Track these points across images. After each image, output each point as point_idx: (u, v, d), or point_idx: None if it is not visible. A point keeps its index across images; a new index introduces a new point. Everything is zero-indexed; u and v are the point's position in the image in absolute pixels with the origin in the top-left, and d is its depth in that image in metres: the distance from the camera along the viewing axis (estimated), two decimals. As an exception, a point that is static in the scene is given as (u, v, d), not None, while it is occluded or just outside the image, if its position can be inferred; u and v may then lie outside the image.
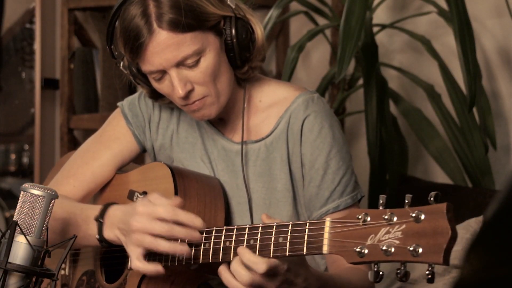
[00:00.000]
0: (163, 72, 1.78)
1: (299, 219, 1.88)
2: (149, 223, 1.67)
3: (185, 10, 1.73)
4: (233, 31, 1.80)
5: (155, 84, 1.82)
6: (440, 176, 2.78)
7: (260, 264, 1.55)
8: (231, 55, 1.81)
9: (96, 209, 1.82)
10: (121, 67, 1.88)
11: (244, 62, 1.84)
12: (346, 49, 2.29)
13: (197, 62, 1.77)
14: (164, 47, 1.74)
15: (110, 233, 1.78)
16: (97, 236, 1.80)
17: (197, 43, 1.75)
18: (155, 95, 1.91)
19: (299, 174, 1.86)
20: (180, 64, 1.76)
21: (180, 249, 1.67)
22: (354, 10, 2.33)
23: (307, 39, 2.70)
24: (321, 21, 2.91)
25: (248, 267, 1.57)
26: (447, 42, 2.76)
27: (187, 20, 1.73)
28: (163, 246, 1.67)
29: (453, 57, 2.57)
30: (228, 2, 1.80)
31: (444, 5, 2.58)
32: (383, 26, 2.85)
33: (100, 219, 1.79)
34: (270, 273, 1.56)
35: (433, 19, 2.78)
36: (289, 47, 2.70)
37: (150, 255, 1.74)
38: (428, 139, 2.63)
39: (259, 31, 1.85)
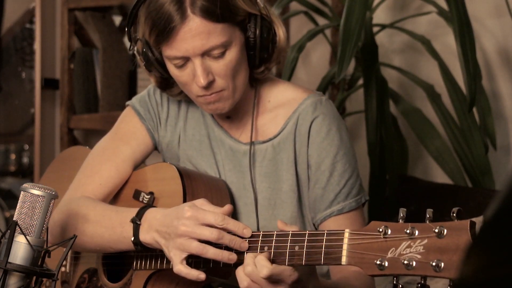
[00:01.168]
0: (186, 60, 1.77)
1: (304, 221, 1.88)
2: (198, 228, 1.63)
3: (219, 0, 1.73)
4: (257, 30, 1.80)
5: (174, 71, 1.81)
6: (440, 176, 2.78)
7: (264, 268, 1.55)
8: (251, 53, 1.81)
9: (132, 211, 1.78)
10: (134, 52, 1.86)
11: (262, 62, 1.84)
12: (346, 49, 2.30)
13: (222, 54, 1.76)
14: (195, 33, 1.73)
15: (147, 236, 1.73)
16: (132, 239, 1.75)
17: (226, 35, 1.75)
18: (164, 85, 1.90)
19: (305, 175, 1.86)
20: (205, 53, 1.76)
21: (228, 257, 1.64)
22: (354, 10, 2.33)
23: (307, 39, 2.70)
24: (321, 21, 2.92)
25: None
26: (447, 42, 2.76)
27: (220, 10, 1.73)
28: (211, 252, 1.63)
29: (453, 57, 2.57)
30: (258, 1, 1.81)
31: (444, 5, 2.58)
32: (383, 26, 2.85)
33: (137, 221, 1.75)
34: (274, 280, 1.56)
35: (433, 19, 2.78)
36: (289, 47, 2.70)
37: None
38: (428, 139, 2.63)
39: (282, 34, 1.85)
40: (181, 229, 1.64)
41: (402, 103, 2.72)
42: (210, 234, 1.62)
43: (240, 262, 1.64)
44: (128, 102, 2.03)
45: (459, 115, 2.52)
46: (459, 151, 2.54)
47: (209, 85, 1.78)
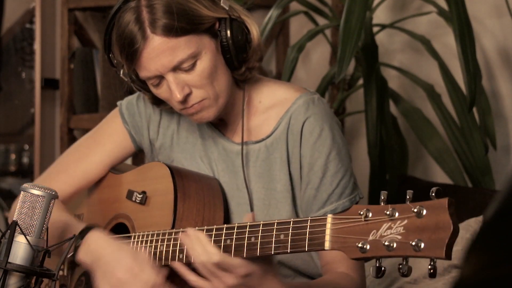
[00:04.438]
0: (160, 78, 1.78)
1: (299, 220, 1.88)
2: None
3: (178, 14, 1.73)
4: (228, 32, 1.79)
5: (153, 90, 1.83)
6: (440, 176, 2.78)
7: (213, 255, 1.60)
8: (227, 57, 1.81)
9: (77, 227, 1.84)
10: (121, 75, 1.88)
11: (241, 63, 1.83)
12: (346, 49, 2.30)
13: (193, 66, 1.77)
14: (159, 52, 1.74)
15: (84, 257, 1.80)
16: (71, 254, 1.81)
17: (192, 46, 1.75)
18: (157, 101, 1.91)
19: (297, 175, 1.86)
20: (176, 68, 1.76)
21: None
22: (354, 10, 2.33)
23: (307, 39, 2.70)
24: (321, 21, 2.92)
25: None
26: (447, 42, 2.76)
27: (180, 24, 1.73)
28: None
29: (453, 57, 2.57)
30: (222, 4, 1.80)
31: (444, 5, 2.58)
32: (383, 26, 2.85)
33: (79, 239, 1.80)
34: (222, 268, 1.60)
35: (433, 19, 2.78)
36: (289, 47, 2.70)
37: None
38: (428, 139, 2.63)
39: (255, 31, 1.85)
40: (118, 275, 1.71)
41: (402, 103, 2.72)
42: None
43: None
44: (119, 102, 2.04)
45: (459, 115, 2.52)
46: (459, 151, 2.54)
47: (187, 98, 1.78)
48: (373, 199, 2.55)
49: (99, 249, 1.77)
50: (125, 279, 1.70)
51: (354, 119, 3.08)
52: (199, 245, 1.63)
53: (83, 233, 1.80)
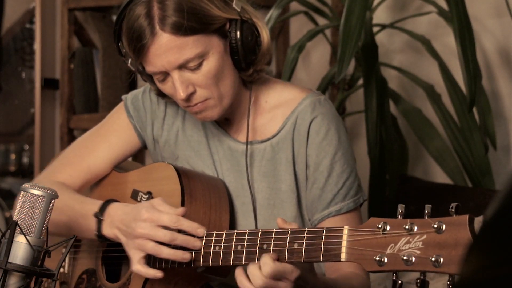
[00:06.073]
0: (165, 74, 1.78)
1: (303, 220, 1.88)
2: (153, 230, 1.69)
3: (188, 13, 1.73)
4: (238, 34, 1.79)
5: (158, 85, 1.83)
6: (440, 176, 2.78)
7: (266, 265, 1.55)
8: (235, 58, 1.80)
9: (95, 204, 1.83)
10: (129, 65, 1.88)
11: (249, 65, 1.83)
12: (346, 49, 2.30)
13: (199, 65, 1.76)
14: (166, 49, 1.74)
15: (109, 231, 1.79)
16: (96, 232, 1.81)
17: (200, 46, 1.75)
18: (162, 93, 1.91)
19: (303, 175, 1.86)
20: (182, 66, 1.76)
21: (181, 256, 1.69)
22: (354, 10, 2.33)
23: (307, 39, 2.70)
24: (321, 21, 2.92)
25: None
26: (447, 42, 2.76)
27: (189, 23, 1.73)
28: (166, 253, 1.70)
29: (453, 57, 2.57)
30: (234, 5, 1.80)
31: (444, 5, 2.58)
32: (383, 26, 2.85)
33: (99, 216, 1.80)
34: (277, 277, 1.56)
35: (433, 19, 2.78)
36: (289, 47, 2.70)
37: (155, 258, 1.74)
38: (428, 139, 2.63)
39: (265, 34, 1.85)
40: (138, 231, 1.70)
41: (402, 103, 2.72)
42: (164, 236, 1.69)
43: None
44: (123, 96, 2.04)
45: (459, 115, 2.52)
46: (459, 151, 2.54)
47: (190, 97, 1.79)
48: (373, 199, 2.55)
49: (119, 217, 1.77)
50: (146, 232, 1.70)
51: (354, 119, 3.08)
52: (257, 269, 1.57)
53: (103, 208, 1.81)
